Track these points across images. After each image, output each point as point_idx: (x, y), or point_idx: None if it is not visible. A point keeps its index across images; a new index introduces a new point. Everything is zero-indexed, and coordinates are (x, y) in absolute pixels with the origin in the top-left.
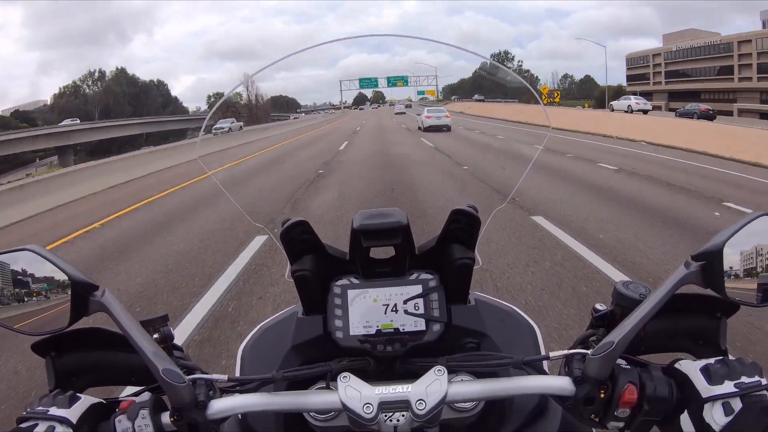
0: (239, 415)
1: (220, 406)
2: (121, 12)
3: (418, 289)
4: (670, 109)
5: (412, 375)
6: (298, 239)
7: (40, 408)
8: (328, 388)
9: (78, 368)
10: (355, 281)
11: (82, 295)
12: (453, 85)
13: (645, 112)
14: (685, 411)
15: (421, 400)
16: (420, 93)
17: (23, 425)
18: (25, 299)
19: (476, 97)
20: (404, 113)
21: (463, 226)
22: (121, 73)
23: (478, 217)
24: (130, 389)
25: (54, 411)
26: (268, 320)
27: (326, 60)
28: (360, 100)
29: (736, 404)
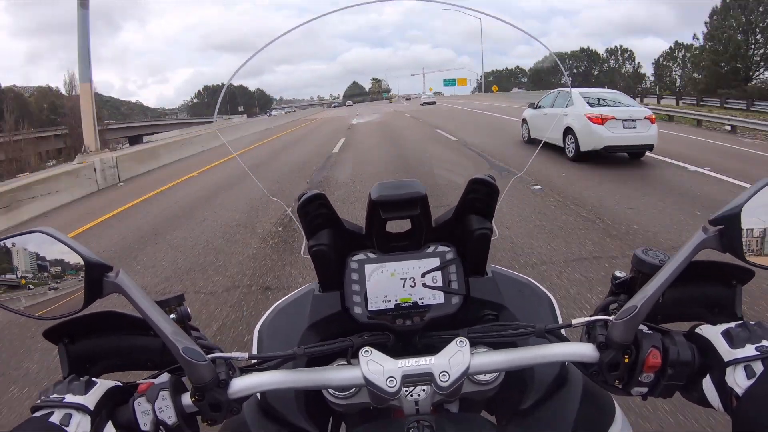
0: (258, 394)
1: (241, 384)
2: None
3: (435, 261)
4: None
5: (431, 349)
6: (315, 213)
7: (54, 395)
8: (348, 363)
9: (91, 354)
10: (372, 256)
11: (97, 277)
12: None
13: None
14: (707, 375)
15: (444, 372)
16: (448, 83)
17: (37, 414)
18: (38, 283)
19: (516, 90)
20: (434, 103)
21: (480, 196)
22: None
23: (497, 186)
24: (144, 374)
25: (70, 398)
26: (284, 299)
27: (327, 54)
28: (351, 95)
29: (758, 367)
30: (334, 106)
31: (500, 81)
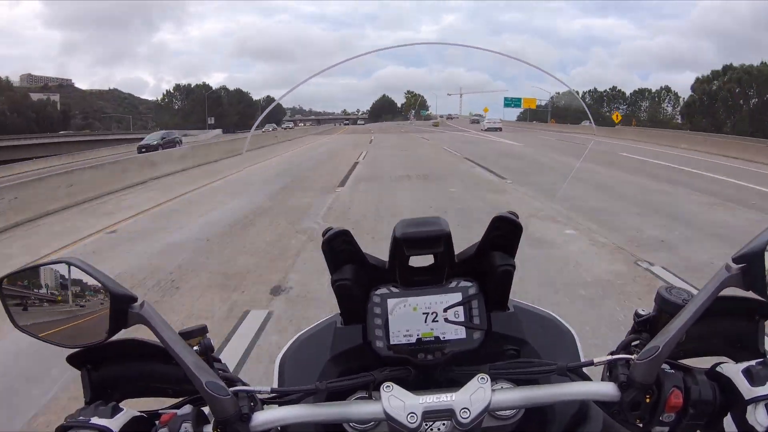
0: (279, 428)
1: (263, 418)
2: None
3: (458, 296)
4: None
5: (452, 383)
6: (339, 249)
7: (81, 417)
8: (369, 397)
9: (114, 380)
10: (395, 290)
11: (122, 308)
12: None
13: None
14: (728, 413)
15: (465, 408)
16: (510, 103)
17: None
18: (64, 312)
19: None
20: (500, 129)
21: (504, 233)
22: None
23: (520, 224)
24: (165, 401)
25: (96, 420)
26: (305, 330)
27: (362, 69)
28: (380, 110)
29: None
30: (345, 124)
31: (557, 110)
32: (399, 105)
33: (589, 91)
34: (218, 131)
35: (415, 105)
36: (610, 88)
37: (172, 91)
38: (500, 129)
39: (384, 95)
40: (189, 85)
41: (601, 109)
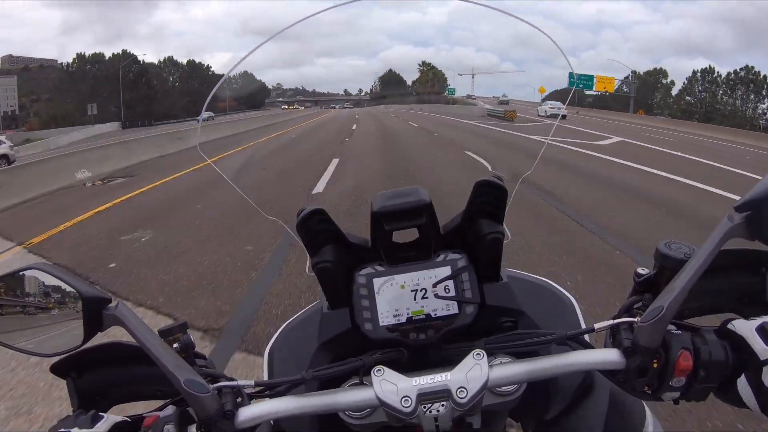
0: (271, 421)
1: (249, 413)
2: None
3: (446, 270)
4: None
5: (448, 362)
6: (316, 229)
7: (62, 429)
8: (361, 383)
9: (101, 387)
10: (380, 269)
11: (95, 311)
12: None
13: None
14: (743, 375)
15: (462, 387)
16: (581, 82)
17: None
18: (37, 320)
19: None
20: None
21: (489, 199)
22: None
23: (505, 188)
24: (155, 404)
25: (76, 431)
26: (292, 319)
27: (368, 50)
28: (379, 94)
29: None
30: (332, 107)
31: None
32: (410, 83)
33: (627, 77)
34: (109, 126)
35: (434, 81)
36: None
37: (72, 64)
38: (565, 116)
39: (390, 70)
40: (101, 54)
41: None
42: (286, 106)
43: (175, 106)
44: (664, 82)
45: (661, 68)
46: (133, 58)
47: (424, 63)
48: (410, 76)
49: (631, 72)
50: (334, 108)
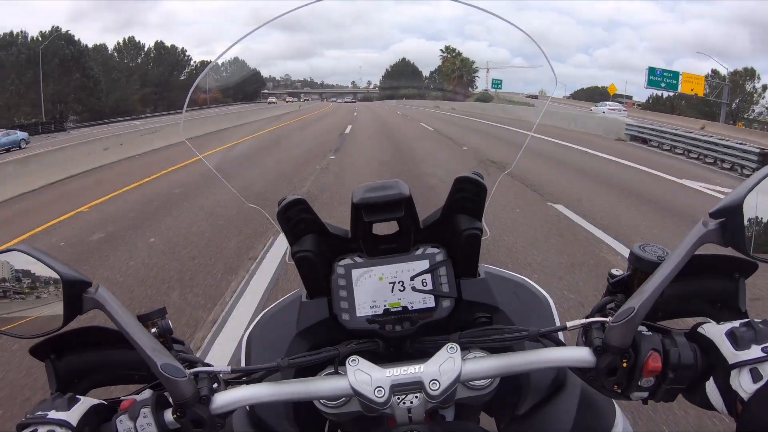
0: (247, 407)
1: (224, 399)
2: None
3: (424, 264)
4: None
5: (423, 354)
6: (297, 218)
7: (39, 413)
8: (337, 373)
9: (79, 370)
10: (359, 260)
11: (76, 293)
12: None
13: None
14: (711, 378)
15: (434, 380)
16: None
17: None
18: (17, 301)
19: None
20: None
21: (468, 195)
22: None
23: (484, 185)
24: (133, 388)
25: (53, 414)
26: (271, 306)
27: (379, 42)
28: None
29: (765, 370)
30: (333, 100)
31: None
32: (426, 74)
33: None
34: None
35: (463, 71)
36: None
37: None
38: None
39: (403, 58)
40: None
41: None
42: (274, 100)
43: (129, 100)
44: (755, 86)
45: (751, 68)
46: (64, 36)
47: (447, 48)
48: (425, 68)
49: (727, 71)
50: (335, 102)
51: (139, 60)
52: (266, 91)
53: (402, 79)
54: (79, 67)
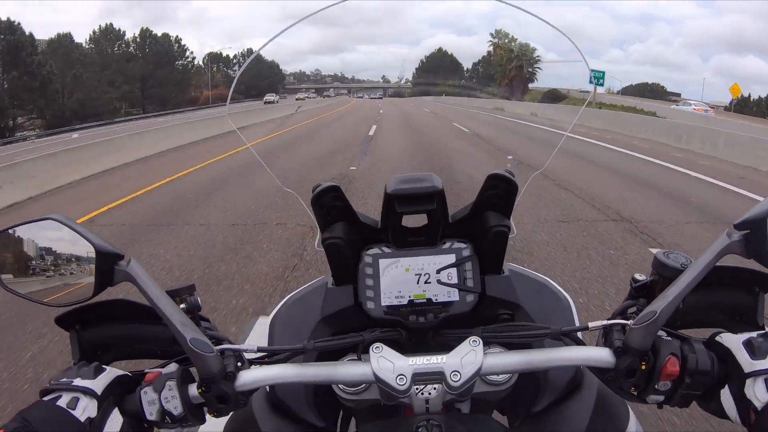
0: (267, 387)
1: (249, 377)
2: None
3: (451, 258)
4: None
5: (444, 347)
6: (329, 206)
7: (64, 379)
8: (359, 359)
9: (102, 341)
10: (387, 250)
11: (108, 265)
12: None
13: None
14: (726, 386)
15: (455, 371)
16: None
17: (46, 398)
18: (50, 270)
19: None
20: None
21: (499, 192)
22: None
23: (516, 183)
24: (155, 362)
25: (78, 382)
26: (296, 291)
27: (410, 38)
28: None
29: None
30: (359, 97)
31: None
32: (467, 67)
33: None
34: None
35: (522, 61)
36: None
37: None
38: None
39: (440, 49)
40: None
41: None
42: (272, 98)
43: (100, 100)
44: None
45: None
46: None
47: (498, 33)
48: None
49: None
50: (361, 98)
51: (118, 50)
52: (288, 86)
53: (439, 73)
54: (20, 62)
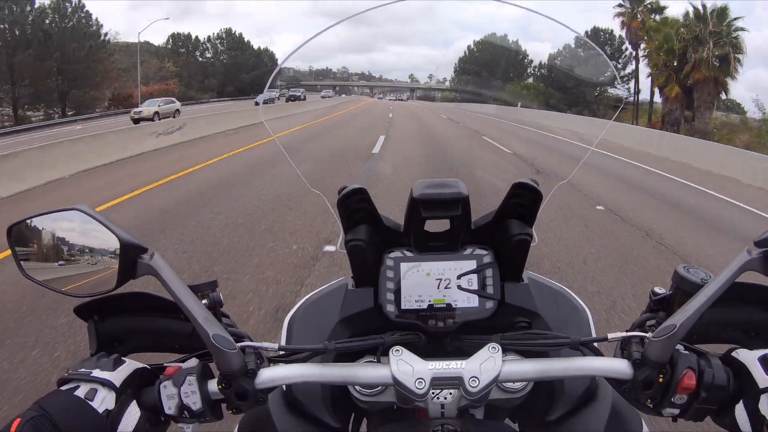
0: (284, 386)
1: (269, 375)
2: None
3: (472, 264)
4: None
5: (461, 352)
6: (355, 207)
7: (82, 370)
8: (378, 362)
9: (120, 333)
10: (409, 254)
11: (131, 258)
12: None
13: None
14: (741, 401)
15: (474, 377)
16: None
17: (64, 387)
18: (73, 261)
19: None
20: None
21: (523, 201)
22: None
23: (540, 192)
24: (171, 357)
25: (97, 373)
26: (316, 291)
27: (440, 40)
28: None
29: None
30: (380, 98)
31: None
32: (541, 61)
33: None
34: None
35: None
36: None
37: None
38: None
39: (493, 33)
40: None
41: None
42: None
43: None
44: None
45: None
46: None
47: None
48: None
49: None
50: (381, 99)
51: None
52: (306, 83)
53: (495, 70)
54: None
